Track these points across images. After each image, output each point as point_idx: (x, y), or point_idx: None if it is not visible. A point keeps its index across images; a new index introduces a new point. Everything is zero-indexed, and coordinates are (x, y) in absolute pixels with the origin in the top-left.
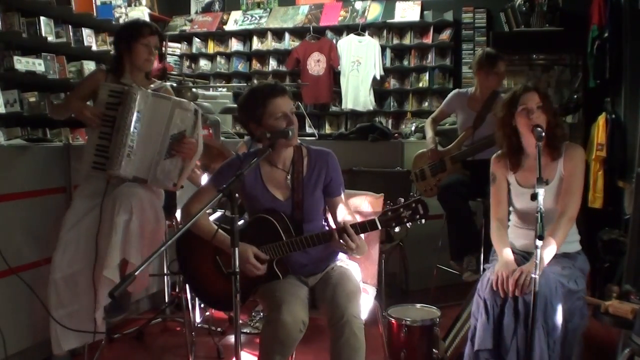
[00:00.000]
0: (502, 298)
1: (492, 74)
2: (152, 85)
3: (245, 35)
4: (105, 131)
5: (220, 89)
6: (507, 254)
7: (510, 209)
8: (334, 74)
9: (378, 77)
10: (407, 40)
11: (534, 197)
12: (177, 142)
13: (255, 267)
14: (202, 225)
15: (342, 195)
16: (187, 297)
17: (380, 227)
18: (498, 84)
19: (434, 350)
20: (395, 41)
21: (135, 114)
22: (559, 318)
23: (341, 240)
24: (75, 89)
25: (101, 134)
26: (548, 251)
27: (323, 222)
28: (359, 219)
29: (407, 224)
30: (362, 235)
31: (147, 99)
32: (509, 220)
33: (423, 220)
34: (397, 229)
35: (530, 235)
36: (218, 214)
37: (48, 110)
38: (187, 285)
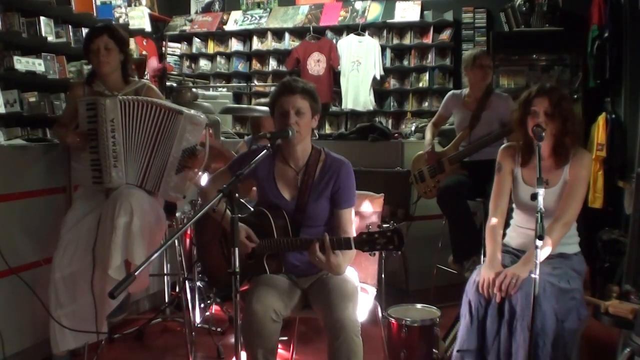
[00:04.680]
0: (487, 300)
1: (476, 68)
2: (128, 86)
3: (245, 35)
4: (93, 145)
5: (220, 89)
6: (495, 255)
7: (513, 205)
8: (334, 74)
9: (378, 77)
10: (407, 40)
11: (533, 197)
12: (189, 157)
13: (244, 244)
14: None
15: (348, 210)
16: (187, 297)
17: (353, 248)
18: (483, 77)
19: (434, 350)
20: (395, 41)
21: (109, 124)
22: (549, 319)
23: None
24: (63, 112)
25: (91, 149)
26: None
27: (324, 232)
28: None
29: (382, 252)
30: (338, 253)
31: (115, 107)
32: (511, 217)
33: (399, 252)
34: (370, 254)
35: (527, 235)
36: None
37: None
38: (187, 285)
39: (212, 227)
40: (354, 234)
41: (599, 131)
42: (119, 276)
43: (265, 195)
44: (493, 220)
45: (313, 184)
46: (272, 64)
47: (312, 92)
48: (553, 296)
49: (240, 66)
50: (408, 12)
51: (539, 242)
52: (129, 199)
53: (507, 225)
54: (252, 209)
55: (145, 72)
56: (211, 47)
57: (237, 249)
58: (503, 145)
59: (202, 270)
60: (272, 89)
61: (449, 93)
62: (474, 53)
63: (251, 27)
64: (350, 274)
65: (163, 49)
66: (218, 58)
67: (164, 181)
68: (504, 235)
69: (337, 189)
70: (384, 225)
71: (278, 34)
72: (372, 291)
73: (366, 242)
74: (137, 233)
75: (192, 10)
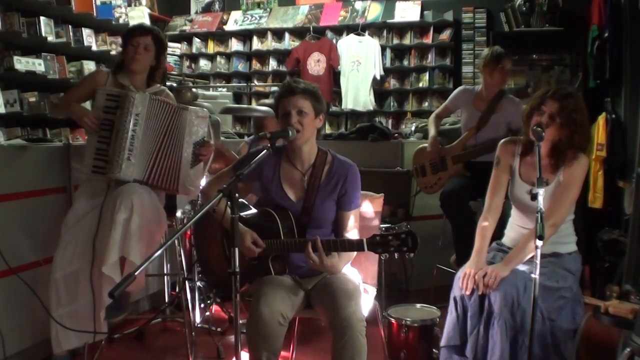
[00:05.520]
0: (470, 296)
1: (497, 71)
2: (149, 89)
3: (245, 35)
4: (104, 135)
5: (220, 89)
6: (481, 252)
7: (512, 203)
8: (334, 74)
9: (378, 77)
10: (407, 40)
11: (534, 197)
12: (201, 149)
13: (250, 249)
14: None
15: (352, 212)
16: (187, 297)
17: (366, 250)
18: (502, 82)
19: (434, 350)
20: (395, 41)
21: (133, 117)
22: (529, 316)
23: (311, 253)
24: (74, 88)
25: (100, 138)
26: (525, 252)
27: (331, 232)
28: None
29: (395, 254)
30: (334, 254)
31: (144, 101)
32: (509, 215)
33: (411, 254)
34: (383, 256)
35: (522, 234)
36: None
37: (48, 108)
38: (187, 285)
39: (212, 227)
40: (357, 236)
41: (599, 131)
42: (113, 273)
43: (270, 196)
44: (485, 217)
45: (320, 186)
46: (272, 64)
47: (314, 92)
48: (538, 294)
49: (240, 66)
50: (408, 12)
51: (539, 242)
52: (130, 196)
53: (506, 225)
54: (252, 209)
55: None
56: (211, 47)
57: (237, 249)
58: (503, 140)
59: (201, 271)
60: (273, 89)
61: (461, 87)
62: (496, 54)
63: (251, 27)
64: (352, 273)
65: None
66: (218, 58)
67: (181, 177)
68: (502, 235)
69: (344, 192)
70: (384, 224)
71: (278, 34)
72: (372, 291)
73: (379, 244)
74: (136, 230)
75: (192, 10)
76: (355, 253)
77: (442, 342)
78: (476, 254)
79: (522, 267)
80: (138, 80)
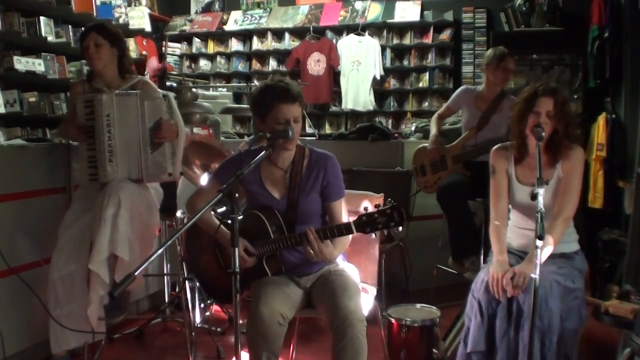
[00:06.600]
0: (496, 299)
1: (499, 70)
2: (126, 82)
3: (245, 35)
4: (90, 142)
5: (220, 89)
6: (502, 255)
7: (510, 206)
8: (334, 74)
9: (378, 77)
10: (407, 40)
11: (534, 197)
12: (157, 131)
13: (242, 259)
14: (206, 220)
15: (340, 201)
16: (187, 297)
17: (355, 232)
18: (504, 80)
19: (434, 350)
20: (395, 41)
21: (105, 119)
22: (555, 317)
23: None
24: (67, 111)
25: (88, 146)
26: (544, 250)
27: (320, 227)
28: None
29: (384, 231)
30: (328, 242)
31: (112, 100)
32: (508, 218)
33: (400, 228)
34: (373, 235)
35: (527, 236)
36: (224, 208)
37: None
38: (187, 285)
39: (203, 241)
40: None
41: (599, 131)
42: (99, 270)
43: (255, 198)
44: (496, 222)
45: (301, 179)
46: (272, 64)
47: (302, 96)
48: (559, 295)
49: (240, 66)
50: (408, 12)
51: (539, 242)
52: (117, 192)
53: None
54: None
55: (145, 72)
56: (211, 47)
57: (237, 249)
58: (495, 147)
59: (200, 285)
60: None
61: (463, 87)
62: (499, 53)
63: (251, 27)
64: (353, 274)
65: (163, 49)
66: (218, 58)
67: (144, 165)
68: None
69: (326, 183)
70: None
71: (278, 34)
72: (372, 291)
73: (366, 223)
74: (124, 226)
75: (192, 10)
76: (349, 240)
77: (469, 348)
78: (498, 255)
79: (544, 267)
80: (108, 77)
